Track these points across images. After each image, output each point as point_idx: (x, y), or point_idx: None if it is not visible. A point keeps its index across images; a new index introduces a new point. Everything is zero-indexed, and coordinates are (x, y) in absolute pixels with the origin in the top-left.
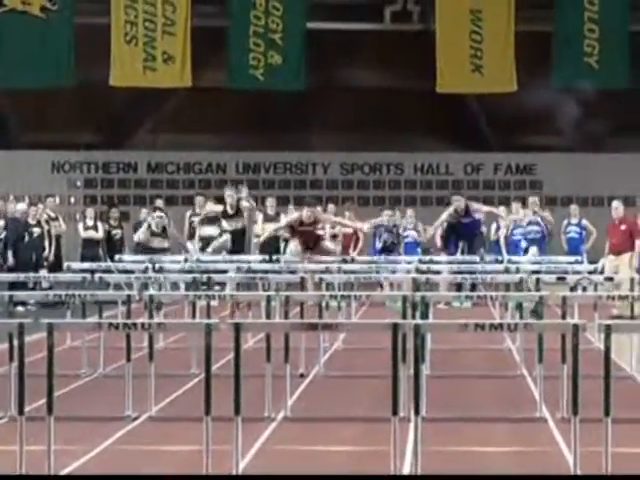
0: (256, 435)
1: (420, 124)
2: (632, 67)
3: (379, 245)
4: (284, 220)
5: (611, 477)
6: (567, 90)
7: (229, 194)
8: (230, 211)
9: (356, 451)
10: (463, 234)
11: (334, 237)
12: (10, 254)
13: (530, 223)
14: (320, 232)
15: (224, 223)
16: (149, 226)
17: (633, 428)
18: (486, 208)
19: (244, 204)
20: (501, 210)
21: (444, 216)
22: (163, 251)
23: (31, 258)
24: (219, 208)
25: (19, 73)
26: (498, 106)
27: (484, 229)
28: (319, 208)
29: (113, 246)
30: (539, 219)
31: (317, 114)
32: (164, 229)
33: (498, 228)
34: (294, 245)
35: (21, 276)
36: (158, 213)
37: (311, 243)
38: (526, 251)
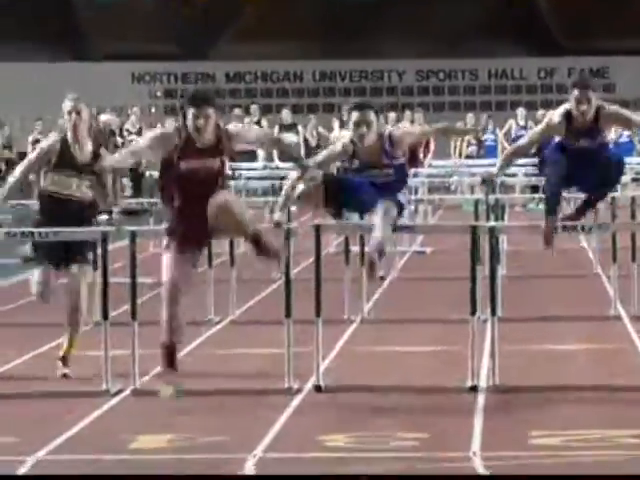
0: (336, 337)
1: (492, 29)
2: None
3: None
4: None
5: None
6: None
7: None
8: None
9: (434, 351)
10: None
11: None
12: None
13: None
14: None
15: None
16: None
17: None
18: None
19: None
20: None
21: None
22: None
23: None
24: None
25: None
26: (570, 9)
27: None
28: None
29: None
30: None
31: (391, 21)
32: None
33: None
34: None
35: None
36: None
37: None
38: None
